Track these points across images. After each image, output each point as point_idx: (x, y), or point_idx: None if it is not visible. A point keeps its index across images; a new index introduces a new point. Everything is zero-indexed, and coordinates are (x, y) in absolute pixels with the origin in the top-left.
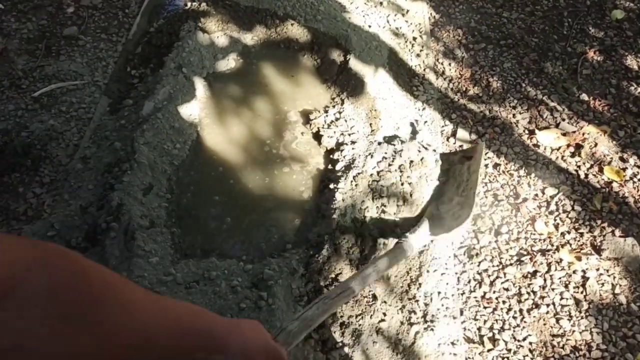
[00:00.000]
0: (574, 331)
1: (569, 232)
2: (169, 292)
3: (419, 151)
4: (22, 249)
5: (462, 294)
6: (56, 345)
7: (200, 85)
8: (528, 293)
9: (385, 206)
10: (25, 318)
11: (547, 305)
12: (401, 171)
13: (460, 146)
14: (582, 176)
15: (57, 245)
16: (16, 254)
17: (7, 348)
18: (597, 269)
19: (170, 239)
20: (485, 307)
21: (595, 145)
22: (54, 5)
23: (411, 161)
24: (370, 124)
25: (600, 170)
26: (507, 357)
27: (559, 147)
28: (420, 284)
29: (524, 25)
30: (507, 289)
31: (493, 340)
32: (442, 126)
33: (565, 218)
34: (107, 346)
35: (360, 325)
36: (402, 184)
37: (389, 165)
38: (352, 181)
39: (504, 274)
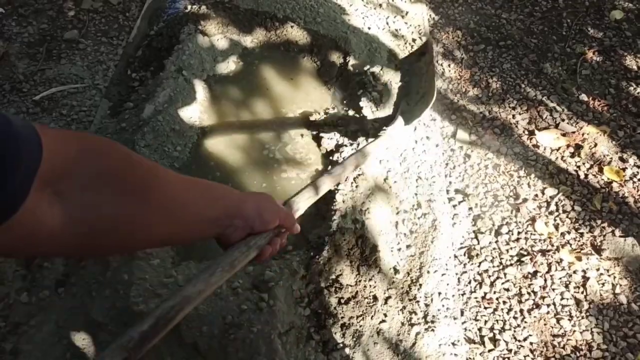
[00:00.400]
0: (574, 331)
1: (569, 232)
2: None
3: (377, 66)
4: (69, 140)
5: (463, 294)
6: (115, 218)
7: (200, 88)
8: (528, 293)
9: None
10: (85, 196)
11: (548, 306)
12: (365, 83)
13: (412, 46)
14: (582, 176)
15: (100, 136)
16: (65, 143)
17: (74, 220)
18: (598, 269)
19: None
20: (485, 308)
21: (595, 145)
22: (55, 9)
23: (372, 73)
24: None
25: (600, 171)
26: (508, 358)
27: (559, 148)
28: (420, 285)
29: (523, 26)
30: (507, 290)
31: (494, 340)
32: (442, 127)
33: (565, 218)
34: (154, 215)
35: (361, 326)
36: (371, 92)
37: (356, 83)
38: (352, 182)
39: (505, 274)
